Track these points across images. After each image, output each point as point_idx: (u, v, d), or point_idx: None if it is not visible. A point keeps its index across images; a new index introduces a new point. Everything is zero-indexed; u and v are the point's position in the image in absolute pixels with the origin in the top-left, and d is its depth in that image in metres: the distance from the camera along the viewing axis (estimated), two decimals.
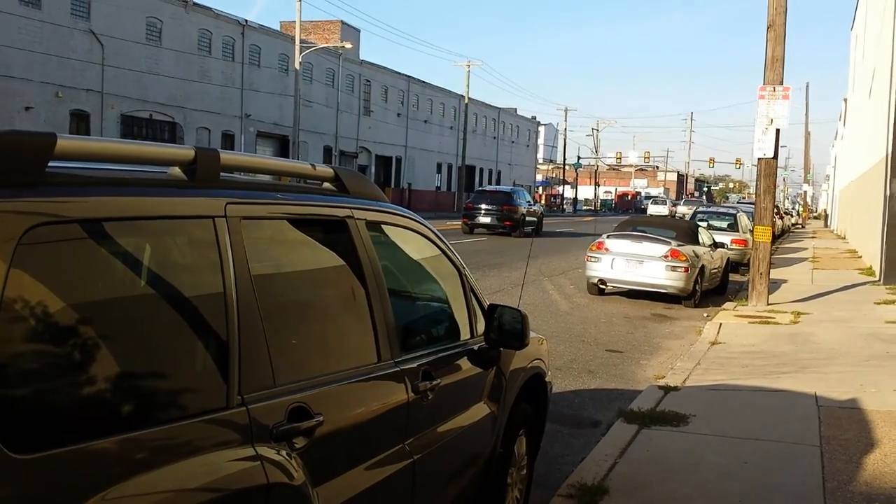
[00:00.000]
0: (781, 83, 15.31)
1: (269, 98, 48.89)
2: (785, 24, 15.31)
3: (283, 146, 50.08)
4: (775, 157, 15.53)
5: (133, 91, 39.09)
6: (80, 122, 36.76)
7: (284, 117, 49.24)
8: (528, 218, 34.71)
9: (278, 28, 54.42)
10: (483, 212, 33.70)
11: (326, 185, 3.52)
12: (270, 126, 49.36)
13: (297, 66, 45.50)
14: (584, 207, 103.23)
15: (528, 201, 36.97)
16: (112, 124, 38.12)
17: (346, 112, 57.12)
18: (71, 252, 2.19)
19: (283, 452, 2.63)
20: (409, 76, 65.76)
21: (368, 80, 60.11)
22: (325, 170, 3.47)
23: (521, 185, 68.44)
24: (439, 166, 71.53)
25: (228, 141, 45.50)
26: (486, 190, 39.33)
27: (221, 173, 2.79)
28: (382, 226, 3.72)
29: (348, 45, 51.52)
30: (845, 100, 52.00)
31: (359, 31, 61.80)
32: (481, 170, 79.11)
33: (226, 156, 2.81)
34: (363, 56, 61.06)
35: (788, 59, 15.34)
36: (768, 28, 15.32)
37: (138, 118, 39.95)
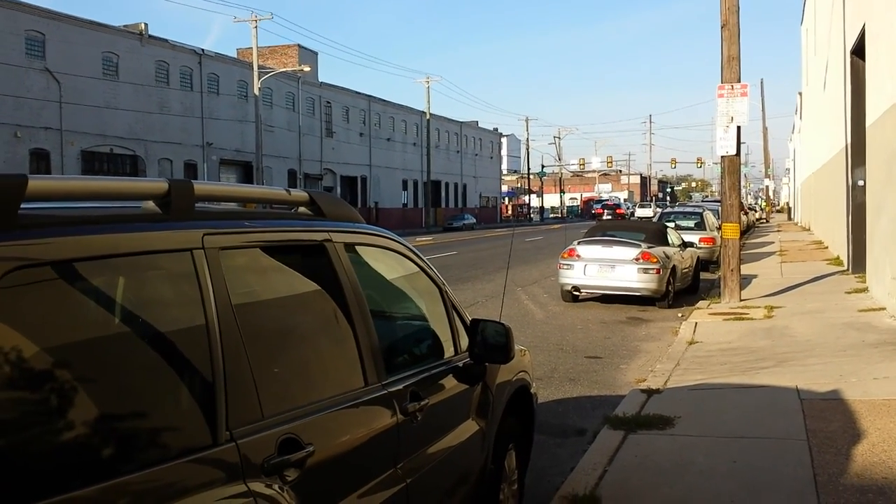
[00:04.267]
0: (739, 81, 15.48)
1: (230, 125, 48.66)
2: (738, 22, 15.49)
3: (246, 172, 49.84)
4: (738, 153, 15.69)
5: (92, 127, 38.74)
6: (41, 161, 36.35)
7: (246, 143, 49.04)
8: (625, 213, 73.71)
9: (235, 55, 54.24)
10: (607, 213, 73.90)
11: (302, 209, 3.47)
12: (232, 153, 49.11)
13: (256, 91, 45.40)
14: (551, 215, 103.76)
15: (627, 206, 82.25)
16: (73, 161, 37.73)
17: (308, 135, 57.01)
18: (50, 295, 2.12)
19: (276, 486, 2.57)
20: (370, 95, 65.86)
21: (329, 102, 60.08)
22: (299, 194, 3.43)
23: (489, 197, 78.08)
24: (405, 183, 71.56)
25: (191, 170, 45.20)
26: (606, 203, 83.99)
27: (196, 204, 2.74)
28: (361, 247, 3.67)
29: (307, 69, 51.48)
30: (800, 94, 52.73)
31: (316, 53, 61.83)
32: (447, 184, 79.28)
33: (199, 186, 2.76)
34: (322, 78, 61.06)
35: (742, 57, 15.55)
36: (722, 27, 15.50)
37: (99, 153, 39.58)
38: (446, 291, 4.33)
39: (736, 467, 5.94)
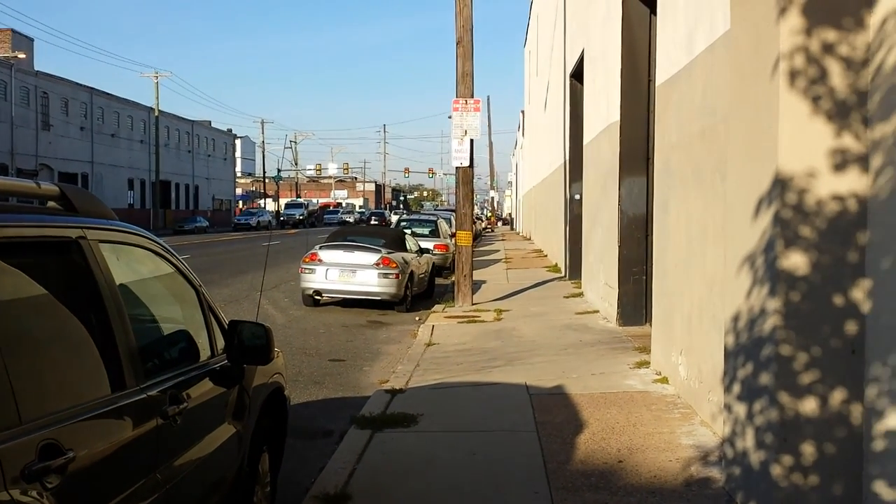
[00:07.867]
0: (472, 96, 16.35)
1: None
2: (472, 40, 16.37)
3: None
4: (471, 165, 16.55)
5: None
6: None
7: None
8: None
9: None
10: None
11: (52, 203, 3.28)
12: None
13: None
14: None
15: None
16: None
17: (21, 127, 52.35)
18: None
19: (37, 493, 2.43)
20: (92, 88, 61.69)
21: (46, 92, 55.55)
22: (49, 188, 3.24)
23: (223, 199, 74.48)
24: (131, 182, 67.74)
25: None
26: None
27: None
28: (116, 245, 3.52)
29: (21, 55, 47.39)
30: (522, 112, 56.46)
31: (32, 40, 56.98)
32: (177, 185, 76.09)
33: None
34: (39, 67, 56.36)
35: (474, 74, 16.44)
36: (458, 44, 16.29)
37: None
38: (203, 293, 4.26)
39: (475, 459, 6.31)
